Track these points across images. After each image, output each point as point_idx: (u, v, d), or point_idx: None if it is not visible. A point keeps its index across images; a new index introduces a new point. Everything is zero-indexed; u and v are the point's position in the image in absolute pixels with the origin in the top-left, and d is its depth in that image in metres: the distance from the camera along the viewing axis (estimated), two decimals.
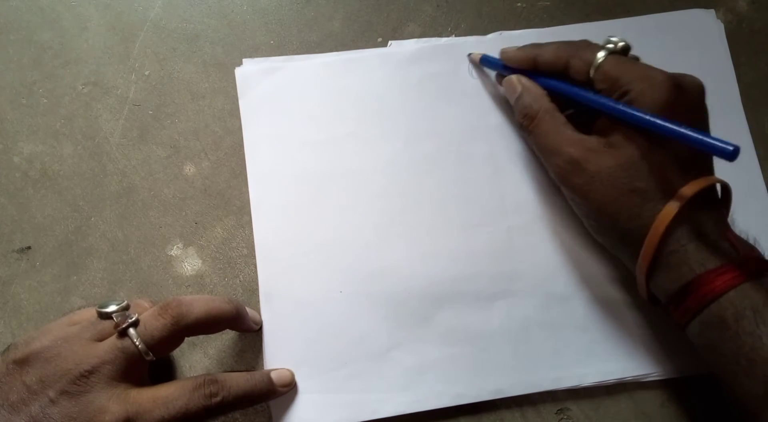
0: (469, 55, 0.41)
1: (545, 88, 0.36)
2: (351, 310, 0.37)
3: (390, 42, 0.42)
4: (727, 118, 0.40)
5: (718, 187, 0.32)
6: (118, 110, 0.40)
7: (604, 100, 0.33)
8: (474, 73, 0.41)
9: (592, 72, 0.33)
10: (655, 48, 0.40)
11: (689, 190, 0.30)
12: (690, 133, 0.29)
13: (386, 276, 0.37)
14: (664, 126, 0.30)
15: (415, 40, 0.42)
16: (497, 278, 0.37)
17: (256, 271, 0.37)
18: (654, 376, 0.36)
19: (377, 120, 0.40)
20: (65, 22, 0.41)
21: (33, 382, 0.28)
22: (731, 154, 0.28)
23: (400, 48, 0.41)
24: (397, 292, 0.37)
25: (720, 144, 0.28)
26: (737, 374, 0.29)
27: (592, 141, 0.33)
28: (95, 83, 0.40)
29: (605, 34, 0.41)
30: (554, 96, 0.36)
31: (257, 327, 0.36)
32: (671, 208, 0.30)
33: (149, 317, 0.30)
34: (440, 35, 0.42)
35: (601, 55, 0.33)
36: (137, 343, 0.29)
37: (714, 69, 0.42)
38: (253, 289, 0.38)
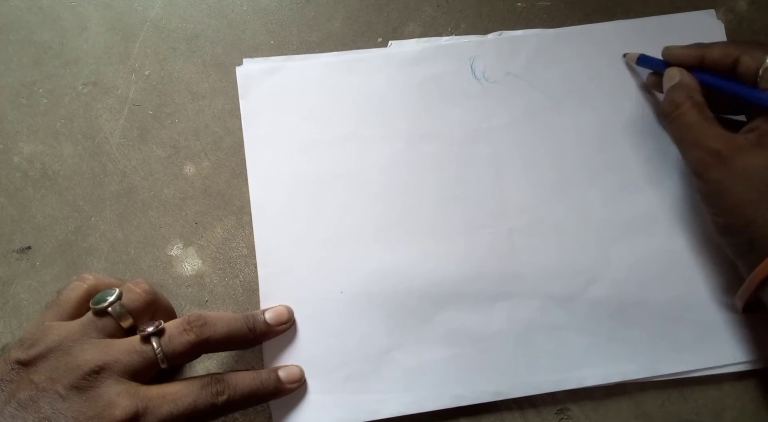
0: (625, 55, 0.40)
1: (707, 85, 0.35)
2: (351, 311, 0.37)
3: (390, 42, 0.42)
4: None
5: None
6: (118, 110, 0.40)
7: None
8: (628, 71, 0.40)
9: (761, 71, 0.33)
10: (655, 49, 0.40)
11: None
12: None
13: (387, 277, 0.37)
14: None
15: (416, 40, 0.42)
16: (498, 280, 0.37)
17: (256, 271, 0.37)
18: (654, 377, 0.36)
19: (378, 120, 0.40)
20: (65, 22, 0.41)
21: (42, 380, 0.28)
22: None
23: (401, 48, 0.41)
24: (398, 293, 0.37)
25: None
26: None
27: (741, 139, 0.32)
28: (95, 83, 0.40)
29: (606, 35, 0.42)
30: (708, 99, 0.35)
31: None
32: None
33: (174, 330, 0.31)
34: (440, 35, 0.42)
35: None
36: (158, 353, 0.30)
37: None
38: (253, 289, 0.38)
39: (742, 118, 0.37)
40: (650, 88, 0.40)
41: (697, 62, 0.36)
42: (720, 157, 0.32)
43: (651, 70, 0.39)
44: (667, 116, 0.35)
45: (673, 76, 0.36)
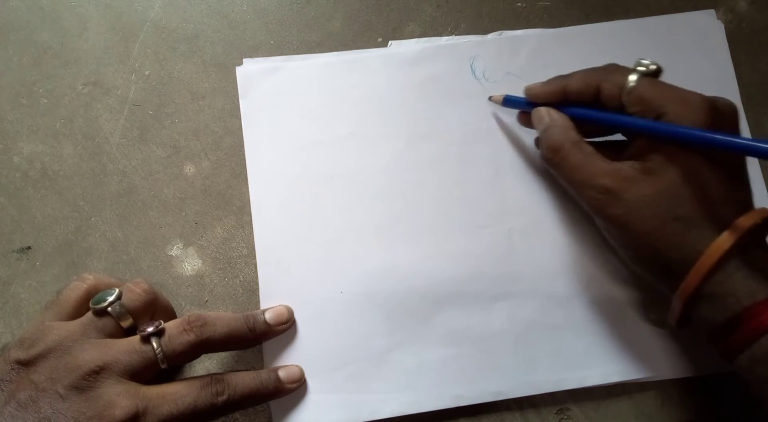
0: (490, 98, 0.39)
1: (575, 117, 0.35)
2: (351, 311, 0.37)
3: (390, 42, 0.42)
4: None
5: None
6: (118, 110, 0.40)
7: (646, 122, 0.31)
8: (497, 114, 0.40)
9: (624, 96, 0.32)
10: (655, 49, 0.40)
11: (745, 222, 0.28)
12: (751, 142, 0.28)
13: (387, 277, 0.37)
14: (719, 139, 0.28)
15: (416, 40, 0.42)
16: (498, 279, 0.37)
17: (256, 271, 0.37)
18: (654, 377, 0.36)
19: (378, 120, 0.40)
20: (65, 22, 0.41)
21: (41, 380, 0.28)
22: None
23: (401, 48, 0.41)
24: (398, 293, 0.37)
25: None
26: None
27: (627, 169, 0.31)
28: (95, 83, 0.40)
29: (606, 35, 0.42)
30: (580, 127, 0.35)
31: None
32: (724, 242, 0.28)
33: (174, 330, 0.31)
34: (440, 35, 0.42)
35: (633, 77, 0.32)
36: (158, 353, 0.30)
37: (714, 69, 0.42)
38: (253, 289, 0.38)
39: (620, 136, 0.36)
40: (524, 125, 0.39)
41: (560, 98, 0.35)
42: (611, 193, 0.31)
43: (519, 109, 0.38)
44: (549, 162, 0.35)
45: (542, 117, 0.35)
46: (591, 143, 0.34)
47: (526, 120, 0.38)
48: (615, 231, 0.32)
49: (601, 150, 0.33)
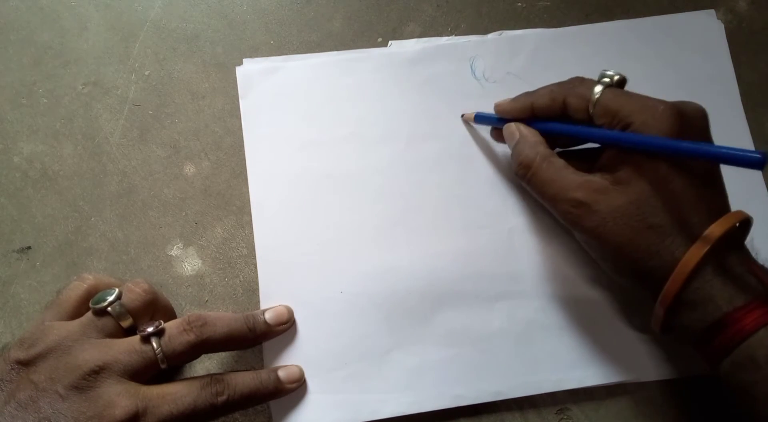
0: (462, 115, 0.40)
1: (545, 132, 0.35)
2: (351, 311, 0.37)
3: (390, 42, 0.42)
4: (727, 118, 0.40)
5: None
6: (118, 110, 0.40)
7: (611, 134, 0.31)
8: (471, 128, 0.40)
9: (590, 108, 0.32)
10: (655, 49, 0.40)
11: (717, 230, 0.28)
12: (713, 148, 0.28)
13: (387, 277, 0.37)
14: (683, 146, 0.29)
15: (416, 40, 0.42)
16: (498, 279, 0.37)
17: (256, 271, 0.37)
18: (654, 378, 0.36)
19: (378, 120, 0.40)
20: (65, 22, 0.41)
21: (41, 380, 0.28)
22: (760, 162, 0.26)
23: (401, 48, 0.41)
24: (398, 293, 0.37)
25: (748, 154, 0.27)
26: None
27: (598, 180, 0.31)
28: (95, 83, 0.40)
29: (605, 35, 0.42)
30: (552, 141, 0.35)
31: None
32: (698, 250, 0.28)
33: (174, 330, 0.31)
34: (440, 35, 0.42)
35: (597, 89, 0.32)
36: (158, 353, 0.30)
37: (714, 69, 0.42)
38: (253, 289, 0.38)
39: (592, 144, 0.36)
40: (497, 140, 0.39)
41: (528, 113, 0.35)
42: (584, 205, 0.31)
43: (490, 125, 0.39)
44: (521, 177, 0.35)
45: (512, 132, 0.36)
46: (563, 155, 0.34)
47: (498, 135, 0.38)
48: (592, 243, 0.32)
49: (573, 162, 0.33)
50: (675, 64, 0.41)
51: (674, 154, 0.29)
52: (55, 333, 0.30)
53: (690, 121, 0.31)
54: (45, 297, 0.37)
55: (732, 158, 0.27)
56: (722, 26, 0.42)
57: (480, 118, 0.39)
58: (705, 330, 0.29)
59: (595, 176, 0.32)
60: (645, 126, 0.30)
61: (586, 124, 0.33)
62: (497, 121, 0.37)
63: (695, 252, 0.28)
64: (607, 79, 0.33)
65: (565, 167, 0.33)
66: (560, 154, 0.34)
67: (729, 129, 0.40)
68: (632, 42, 0.42)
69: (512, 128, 0.36)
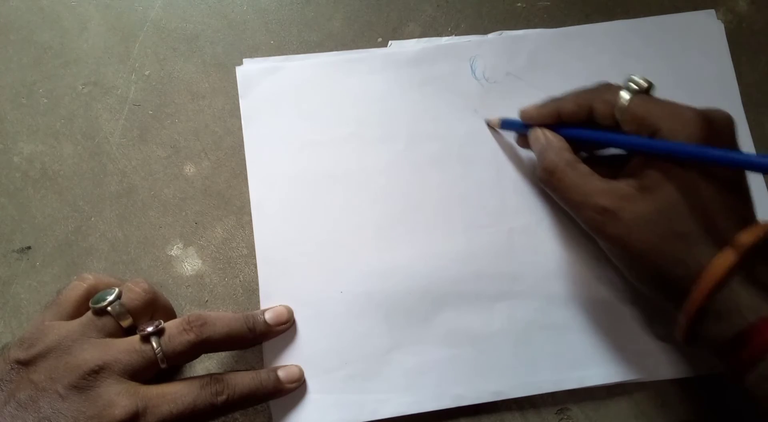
0: (488, 122, 0.40)
1: (572, 138, 0.35)
2: (351, 310, 0.37)
3: (390, 42, 0.42)
4: None
5: None
6: (118, 110, 0.40)
7: (639, 140, 0.31)
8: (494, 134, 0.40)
9: (617, 114, 0.32)
10: (655, 49, 0.40)
11: (747, 238, 0.28)
12: (743, 156, 0.28)
13: (387, 277, 0.37)
14: (712, 153, 0.28)
15: (416, 40, 0.42)
16: (498, 279, 0.37)
17: (256, 271, 0.37)
18: (654, 378, 0.36)
19: (378, 121, 0.40)
20: (65, 22, 0.41)
21: (41, 380, 0.28)
22: None
23: (401, 48, 0.41)
24: (398, 293, 0.37)
25: None
26: None
27: (624, 187, 0.31)
28: (95, 83, 0.40)
29: (606, 35, 0.42)
30: (577, 146, 0.35)
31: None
32: (727, 258, 0.28)
33: (174, 329, 0.31)
34: (440, 35, 0.42)
35: (625, 95, 0.32)
36: (157, 352, 0.30)
37: (714, 69, 0.42)
38: (253, 289, 0.38)
39: (617, 150, 0.36)
40: (522, 147, 0.39)
41: (555, 119, 0.35)
42: (609, 212, 0.31)
43: (516, 132, 0.39)
44: (545, 183, 0.35)
45: (538, 137, 0.35)
46: (588, 161, 0.34)
47: (524, 142, 0.38)
48: (616, 251, 0.32)
49: (598, 168, 0.33)
50: (675, 64, 0.41)
51: (703, 161, 0.29)
52: (54, 332, 0.30)
53: (718, 128, 0.31)
54: (45, 297, 0.37)
55: (762, 167, 0.27)
56: (722, 26, 0.42)
57: (506, 124, 0.39)
58: (730, 341, 0.28)
59: (621, 183, 0.32)
60: (672, 133, 0.30)
61: (612, 130, 0.33)
62: (523, 127, 0.37)
63: (724, 260, 0.28)
64: (634, 85, 0.32)
65: (590, 173, 0.33)
66: (585, 161, 0.34)
67: None
68: (632, 42, 0.42)
69: (538, 134, 0.36)
